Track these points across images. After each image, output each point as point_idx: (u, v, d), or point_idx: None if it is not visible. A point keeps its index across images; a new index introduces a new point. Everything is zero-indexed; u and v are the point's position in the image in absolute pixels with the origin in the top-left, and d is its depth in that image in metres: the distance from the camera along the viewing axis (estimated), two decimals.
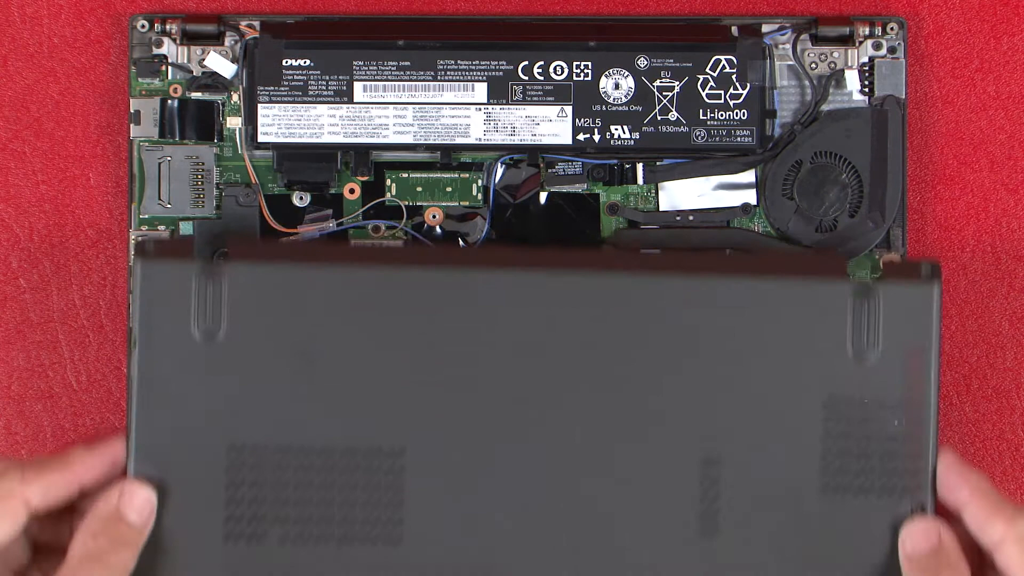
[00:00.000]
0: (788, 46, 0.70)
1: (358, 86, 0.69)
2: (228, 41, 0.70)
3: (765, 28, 0.70)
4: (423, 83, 0.69)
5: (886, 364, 0.65)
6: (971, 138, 0.70)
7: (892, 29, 0.69)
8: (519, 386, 0.65)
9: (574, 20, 0.71)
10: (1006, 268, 0.71)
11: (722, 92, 0.69)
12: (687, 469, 0.65)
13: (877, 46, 0.69)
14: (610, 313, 0.65)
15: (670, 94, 0.69)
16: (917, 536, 0.64)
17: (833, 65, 0.70)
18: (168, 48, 0.69)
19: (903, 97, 0.69)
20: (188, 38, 0.69)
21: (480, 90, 0.69)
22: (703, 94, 0.69)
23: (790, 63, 0.70)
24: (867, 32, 0.69)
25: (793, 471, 0.65)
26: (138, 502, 0.63)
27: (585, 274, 0.65)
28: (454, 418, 0.65)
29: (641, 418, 0.65)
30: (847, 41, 0.69)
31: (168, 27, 0.69)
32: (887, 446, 0.65)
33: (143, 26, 0.69)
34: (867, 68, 0.70)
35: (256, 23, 0.70)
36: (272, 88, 0.69)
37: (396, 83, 0.69)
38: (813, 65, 0.70)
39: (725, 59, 0.69)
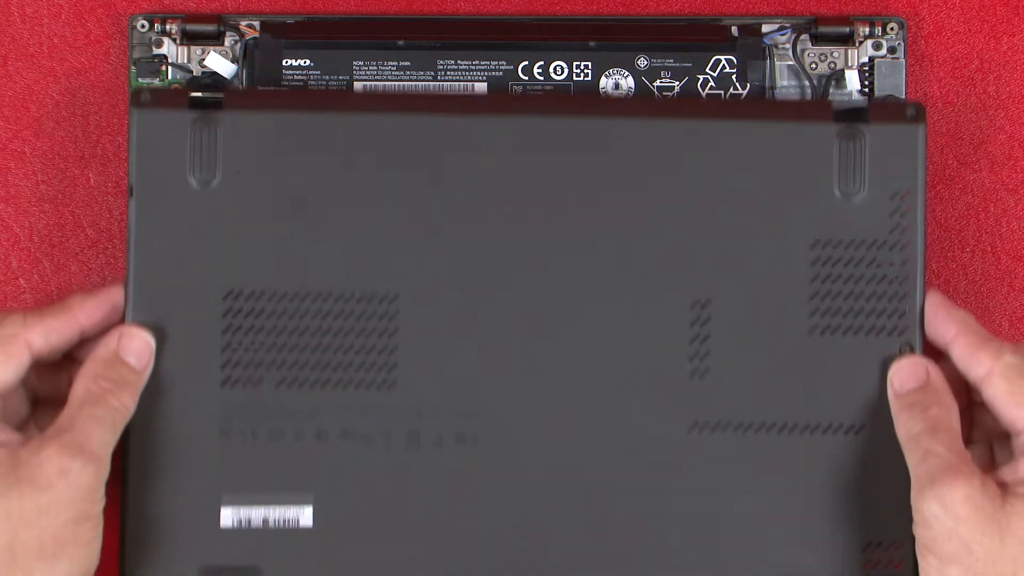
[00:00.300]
0: (788, 46, 0.70)
1: (358, 86, 0.69)
2: (228, 41, 0.70)
3: (765, 28, 0.70)
4: (423, 83, 0.69)
5: (873, 205, 0.66)
6: (971, 138, 0.70)
7: (892, 29, 0.69)
8: (511, 231, 0.66)
9: (574, 20, 0.71)
10: (1006, 268, 0.71)
11: (722, 92, 0.69)
12: (677, 312, 0.66)
13: (877, 46, 0.69)
14: (599, 158, 0.66)
15: (670, 94, 0.69)
16: (905, 373, 0.65)
17: (833, 65, 0.70)
18: (168, 48, 0.69)
19: (903, 97, 0.69)
20: (188, 38, 0.69)
21: (480, 90, 0.69)
22: (703, 94, 0.69)
23: (790, 63, 0.70)
24: (867, 32, 0.69)
25: (782, 312, 0.66)
26: (137, 345, 0.64)
27: (576, 119, 0.66)
28: (447, 263, 0.66)
29: (630, 262, 0.66)
30: (847, 41, 0.69)
31: (168, 27, 0.69)
32: (875, 287, 0.66)
33: (143, 26, 0.69)
34: (867, 68, 0.70)
35: (256, 23, 0.70)
36: (272, 88, 0.69)
37: (396, 83, 0.69)
38: (813, 65, 0.70)
39: (725, 59, 0.69)
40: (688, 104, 0.67)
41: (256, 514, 0.65)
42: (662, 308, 0.66)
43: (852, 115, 0.66)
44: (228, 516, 0.65)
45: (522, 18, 0.71)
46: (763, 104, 0.68)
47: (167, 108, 0.65)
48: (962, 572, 0.61)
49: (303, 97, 0.67)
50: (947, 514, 0.61)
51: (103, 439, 0.62)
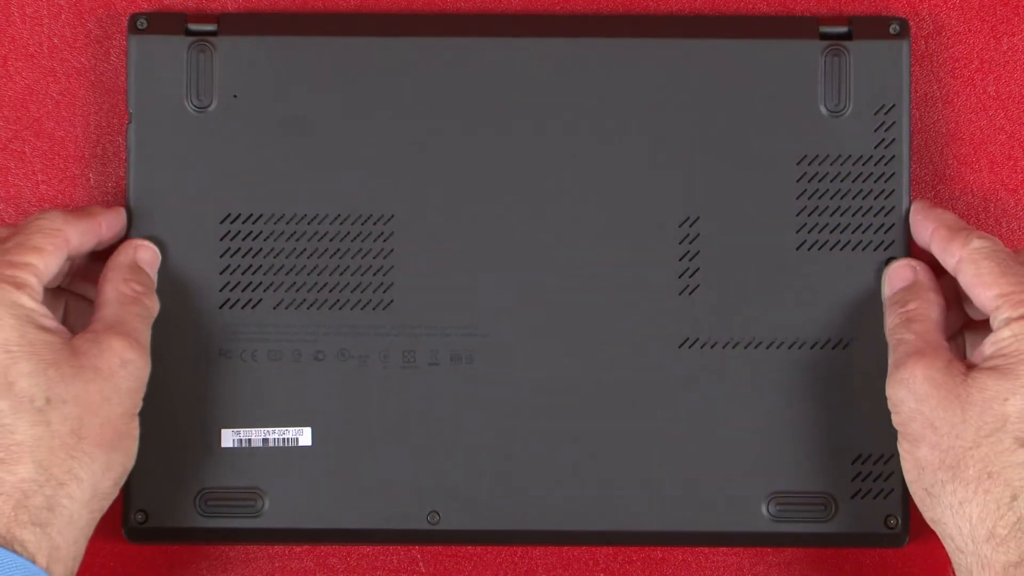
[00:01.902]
0: None
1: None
2: None
3: None
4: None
5: (858, 120, 0.67)
6: (971, 138, 0.70)
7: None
8: (503, 153, 0.67)
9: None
10: None
11: None
12: (666, 230, 0.67)
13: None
14: (589, 79, 0.67)
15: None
16: (895, 275, 0.66)
17: None
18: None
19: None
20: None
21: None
22: None
23: None
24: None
25: (770, 229, 0.67)
26: (149, 257, 0.66)
27: (565, 40, 0.67)
28: (440, 184, 0.67)
29: (620, 181, 0.67)
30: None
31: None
32: (861, 202, 0.67)
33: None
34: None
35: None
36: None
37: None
38: None
39: None
40: (674, 23, 0.68)
41: (256, 434, 0.66)
42: (651, 226, 0.67)
43: (837, 32, 0.67)
44: (228, 437, 0.66)
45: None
46: (749, 22, 0.68)
47: (163, 34, 0.67)
48: (930, 450, 0.61)
49: (298, 22, 0.68)
50: (911, 395, 0.62)
51: (148, 336, 0.64)
